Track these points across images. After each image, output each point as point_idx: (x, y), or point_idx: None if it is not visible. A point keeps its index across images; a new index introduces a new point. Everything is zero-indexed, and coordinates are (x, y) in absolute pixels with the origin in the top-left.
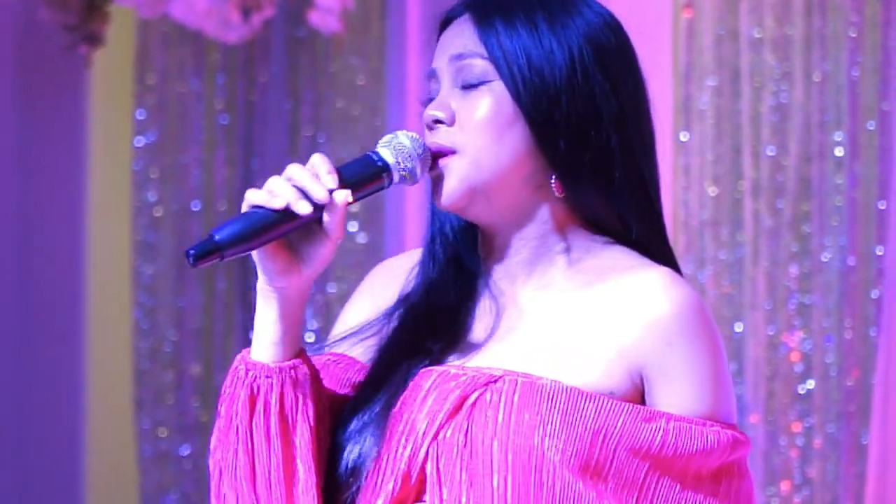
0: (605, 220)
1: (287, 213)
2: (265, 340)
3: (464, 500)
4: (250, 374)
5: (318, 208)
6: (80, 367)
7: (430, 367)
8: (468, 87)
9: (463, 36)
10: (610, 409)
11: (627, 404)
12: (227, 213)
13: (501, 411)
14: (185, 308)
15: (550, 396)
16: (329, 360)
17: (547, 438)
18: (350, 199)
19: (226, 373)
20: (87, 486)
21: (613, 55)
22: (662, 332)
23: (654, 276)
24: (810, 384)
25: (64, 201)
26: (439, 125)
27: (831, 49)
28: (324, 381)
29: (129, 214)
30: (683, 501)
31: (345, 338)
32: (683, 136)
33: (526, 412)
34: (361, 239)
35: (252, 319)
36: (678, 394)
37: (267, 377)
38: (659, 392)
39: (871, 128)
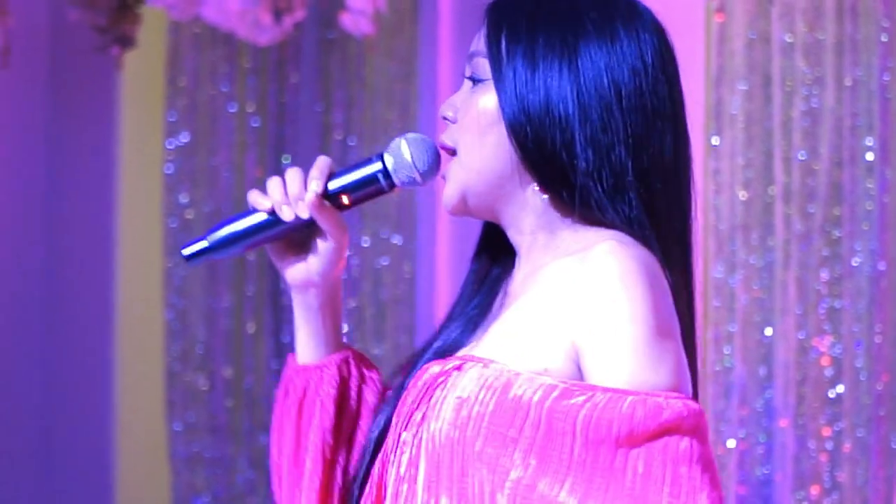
0: (599, 214)
1: (277, 216)
2: (299, 341)
3: (403, 488)
4: (287, 374)
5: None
6: (110, 369)
7: (427, 363)
8: (474, 84)
9: (479, 35)
10: (534, 388)
11: (555, 383)
12: None
13: (449, 398)
14: (216, 310)
15: (481, 381)
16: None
17: (473, 419)
18: (344, 199)
19: (255, 375)
20: (118, 488)
21: (620, 80)
22: (590, 304)
23: (599, 248)
24: (840, 388)
25: (95, 203)
26: (448, 122)
27: (862, 54)
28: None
29: (161, 216)
30: (616, 468)
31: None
32: (715, 141)
33: (458, 399)
34: (396, 240)
35: (282, 322)
36: (605, 366)
37: (295, 376)
38: (589, 366)
39: None
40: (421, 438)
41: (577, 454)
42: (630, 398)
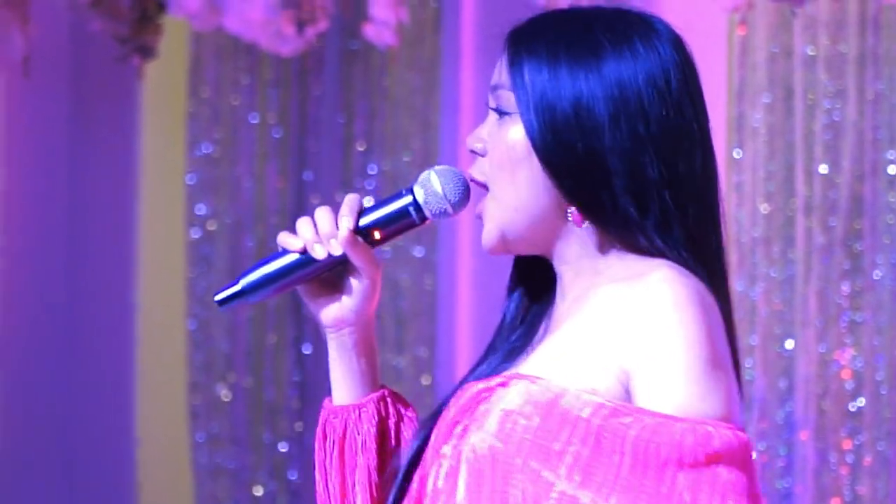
0: (642, 243)
1: (309, 255)
2: (335, 381)
3: (440, 500)
4: (323, 414)
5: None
6: (132, 379)
7: (469, 382)
8: (500, 118)
9: (500, 67)
10: (581, 404)
11: (603, 401)
12: (279, 226)
13: (493, 411)
14: (238, 321)
15: (528, 391)
16: None
17: (518, 433)
18: (376, 235)
19: (276, 386)
20: (139, 499)
21: (640, 88)
22: (643, 330)
23: (651, 276)
24: (861, 402)
25: (117, 212)
26: (476, 156)
27: (885, 67)
28: None
29: (183, 227)
30: (662, 493)
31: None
32: (736, 154)
33: (506, 408)
34: (417, 253)
35: (303, 333)
36: (657, 392)
37: (334, 418)
38: (639, 388)
39: None
40: (461, 450)
41: (625, 473)
42: (680, 424)
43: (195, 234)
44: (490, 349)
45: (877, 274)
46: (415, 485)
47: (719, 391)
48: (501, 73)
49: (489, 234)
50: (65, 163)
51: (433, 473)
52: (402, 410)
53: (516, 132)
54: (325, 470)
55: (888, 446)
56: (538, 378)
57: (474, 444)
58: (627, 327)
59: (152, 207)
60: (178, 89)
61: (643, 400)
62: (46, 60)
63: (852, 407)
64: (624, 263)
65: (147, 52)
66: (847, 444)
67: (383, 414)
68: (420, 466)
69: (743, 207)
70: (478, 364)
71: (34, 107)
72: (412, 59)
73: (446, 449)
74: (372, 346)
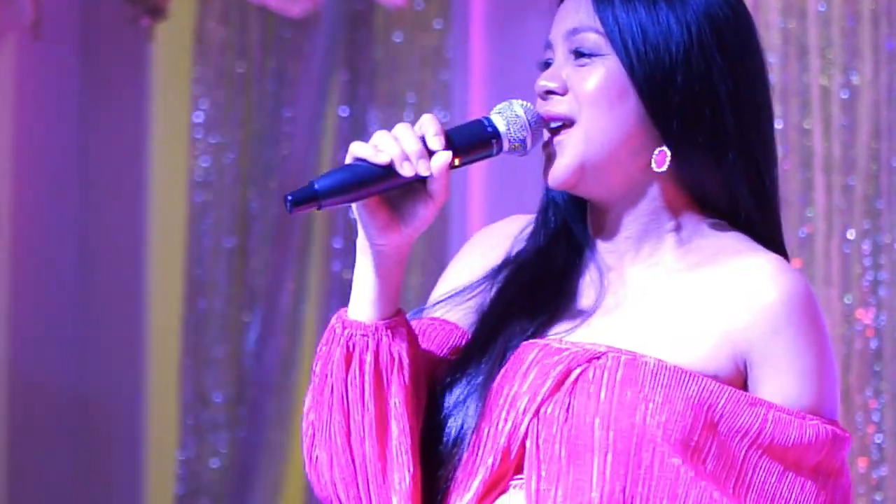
0: (715, 200)
1: (390, 170)
2: (363, 298)
3: (563, 477)
4: (346, 332)
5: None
6: (142, 332)
7: (532, 340)
8: (581, 58)
9: (579, 10)
10: (712, 390)
11: (730, 388)
12: (284, 185)
13: (604, 388)
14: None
15: (654, 375)
16: (429, 324)
17: (649, 416)
18: (455, 162)
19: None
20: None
21: (732, 33)
22: (770, 319)
23: (763, 262)
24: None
25: (127, 173)
26: (552, 95)
27: None
28: (423, 345)
29: (187, 184)
30: (780, 490)
31: (444, 300)
32: None
33: (629, 390)
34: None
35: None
36: (781, 383)
37: (363, 335)
38: (761, 380)
39: None
40: (573, 424)
41: (761, 474)
42: (805, 421)
43: (198, 197)
44: (530, 303)
45: None
46: (470, 437)
47: (836, 389)
48: (580, 16)
49: (566, 166)
50: (75, 124)
51: (531, 433)
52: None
53: (612, 71)
54: (363, 396)
55: None
56: (643, 356)
57: (590, 423)
58: (748, 312)
59: (161, 167)
60: (188, 50)
61: (764, 390)
62: (56, 23)
63: (877, 366)
64: (698, 233)
65: (156, 12)
66: (873, 404)
67: (411, 336)
68: (483, 422)
69: None
70: (516, 317)
71: (44, 69)
72: (421, 19)
73: (536, 425)
74: (403, 268)
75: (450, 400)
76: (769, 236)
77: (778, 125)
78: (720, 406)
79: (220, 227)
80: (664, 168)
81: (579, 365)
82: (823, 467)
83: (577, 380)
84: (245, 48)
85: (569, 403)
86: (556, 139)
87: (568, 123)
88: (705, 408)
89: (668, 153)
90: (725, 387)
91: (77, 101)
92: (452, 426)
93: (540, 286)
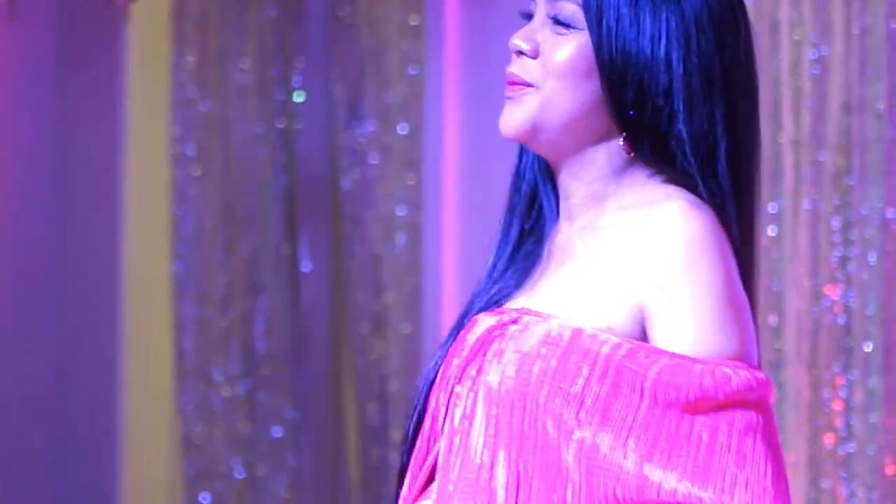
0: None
1: None
2: None
3: (456, 440)
4: None
5: None
6: (118, 319)
7: (477, 314)
8: (559, 26)
9: None
10: (601, 345)
11: (620, 341)
12: (266, 164)
13: (505, 353)
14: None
15: (545, 336)
16: None
17: (536, 374)
18: None
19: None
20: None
21: (713, 29)
22: (660, 265)
23: (668, 206)
24: (853, 338)
25: (103, 155)
26: (522, 56)
27: (871, 1)
28: None
29: (166, 168)
30: (680, 434)
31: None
32: None
33: (523, 351)
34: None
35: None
36: (674, 330)
37: None
38: (656, 328)
39: None
40: (477, 392)
41: (643, 414)
42: (699, 366)
43: (180, 175)
44: (497, 271)
45: (865, 209)
46: (427, 423)
47: (736, 330)
48: None
49: (520, 122)
50: (51, 105)
51: (448, 413)
52: None
53: (584, 47)
54: None
55: (879, 381)
56: (550, 316)
57: (491, 386)
58: (642, 262)
59: (138, 150)
60: (164, 30)
61: (659, 338)
62: (31, 3)
63: (845, 343)
64: (633, 189)
65: None
66: (840, 380)
67: None
68: (432, 402)
69: None
70: (493, 281)
71: (20, 49)
72: None
73: (460, 389)
74: None
75: (420, 383)
76: (744, 212)
77: None
78: (608, 359)
79: (208, 206)
80: (630, 155)
81: (496, 330)
82: (728, 406)
83: (488, 345)
84: (223, 27)
85: (479, 367)
86: (516, 90)
87: (529, 86)
88: (592, 362)
89: (627, 138)
90: (615, 340)
91: (53, 83)
92: (417, 412)
93: (505, 256)
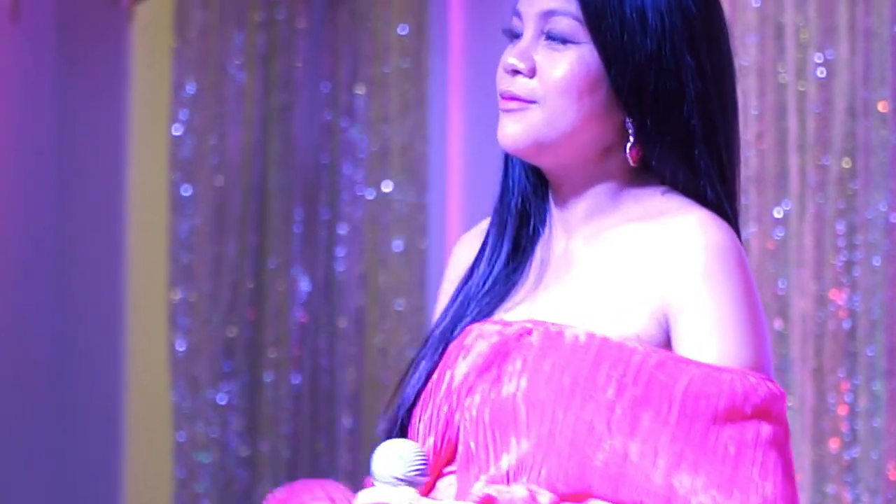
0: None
1: None
2: None
3: (489, 452)
4: None
5: None
6: (121, 313)
7: (472, 323)
8: (554, 42)
9: None
10: (631, 354)
11: (650, 350)
12: (266, 166)
13: (529, 363)
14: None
15: (573, 345)
16: None
17: (567, 388)
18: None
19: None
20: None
21: (704, 29)
22: (687, 273)
23: (688, 218)
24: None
25: (105, 157)
26: (518, 75)
27: (875, 3)
28: None
29: (167, 170)
30: (708, 445)
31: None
32: None
33: (550, 363)
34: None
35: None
36: (699, 338)
37: None
38: (681, 336)
39: None
40: (497, 403)
41: (672, 423)
42: (727, 375)
43: (181, 175)
44: (487, 282)
45: (870, 213)
46: (430, 439)
47: (757, 342)
48: (558, 0)
49: (522, 137)
50: (54, 106)
51: (462, 424)
52: None
53: (586, 62)
54: None
55: (883, 385)
56: (565, 325)
57: (513, 397)
58: (665, 269)
59: (141, 151)
60: (168, 31)
61: (686, 346)
62: (34, 4)
63: (850, 348)
64: (639, 201)
65: None
66: (845, 385)
67: None
68: (424, 409)
69: None
70: (475, 298)
71: (23, 50)
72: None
73: (470, 401)
74: None
75: (403, 396)
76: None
77: (754, 105)
78: (637, 370)
79: (204, 211)
80: (637, 164)
81: (508, 342)
82: (752, 417)
83: (505, 356)
84: (226, 29)
85: (496, 378)
86: (515, 105)
87: (531, 102)
88: (623, 373)
89: (638, 147)
90: (643, 350)
91: (56, 84)
92: (402, 417)
93: (496, 269)
